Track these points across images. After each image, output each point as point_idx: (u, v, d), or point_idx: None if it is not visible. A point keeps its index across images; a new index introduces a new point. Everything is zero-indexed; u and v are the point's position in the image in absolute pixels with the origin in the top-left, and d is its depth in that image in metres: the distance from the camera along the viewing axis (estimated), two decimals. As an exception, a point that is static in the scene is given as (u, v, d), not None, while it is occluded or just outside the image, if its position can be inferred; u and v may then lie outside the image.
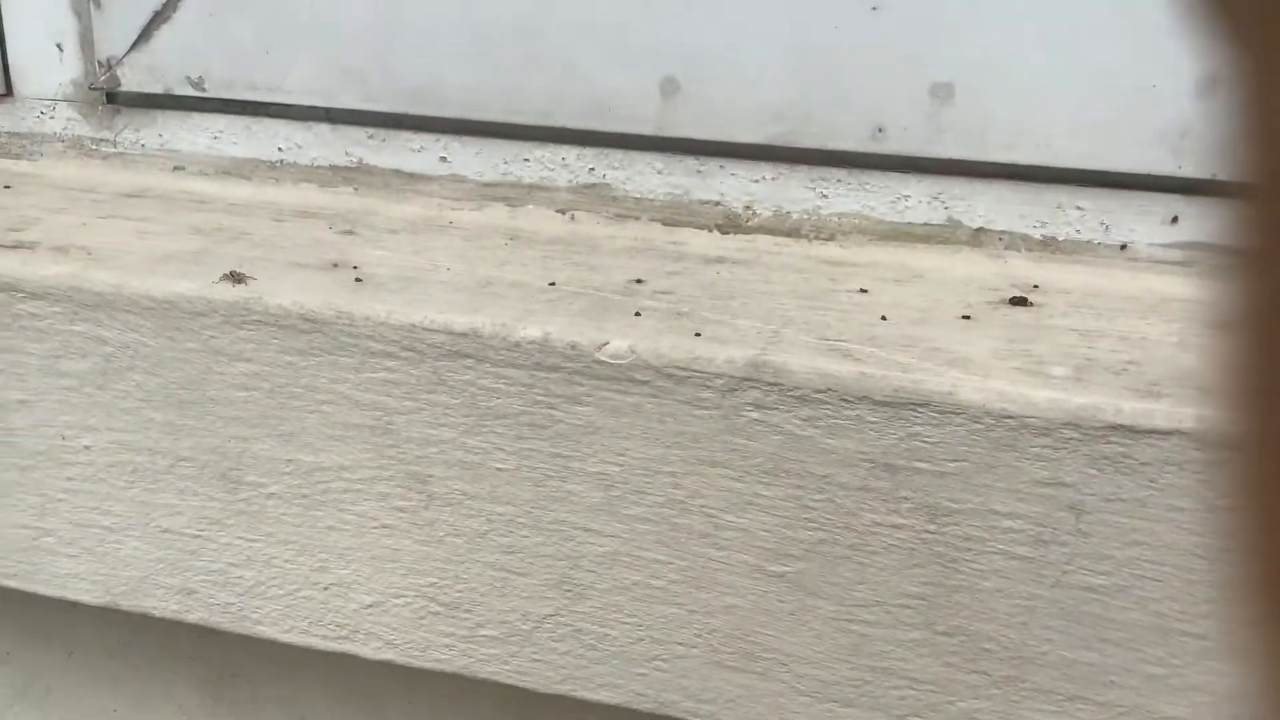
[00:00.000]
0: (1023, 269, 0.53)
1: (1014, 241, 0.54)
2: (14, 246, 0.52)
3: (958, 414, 0.41)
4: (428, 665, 0.51)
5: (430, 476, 0.47)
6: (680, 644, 0.47)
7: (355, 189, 0.61)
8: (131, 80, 0.62)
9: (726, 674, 0.47)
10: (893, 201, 0.55)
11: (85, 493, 0.52)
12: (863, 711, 0.46)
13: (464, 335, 0.45)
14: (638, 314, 0.47)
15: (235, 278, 0.48)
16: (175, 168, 0.63)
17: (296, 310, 0.46)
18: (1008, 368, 0.42)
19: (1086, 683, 0.43)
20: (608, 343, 0.44)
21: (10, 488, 0.53)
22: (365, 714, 0.62)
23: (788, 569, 0.45)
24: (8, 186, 0.62)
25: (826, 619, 0.45)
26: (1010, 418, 0.41)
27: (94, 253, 0.51)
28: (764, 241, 0.56)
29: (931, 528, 0.43)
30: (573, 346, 0.44)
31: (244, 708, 0.64)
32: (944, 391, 0.41)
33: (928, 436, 0.41)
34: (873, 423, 0.42)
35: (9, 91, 0.65)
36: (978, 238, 0.54)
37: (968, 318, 0.48)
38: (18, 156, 0.66)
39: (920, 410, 0.41)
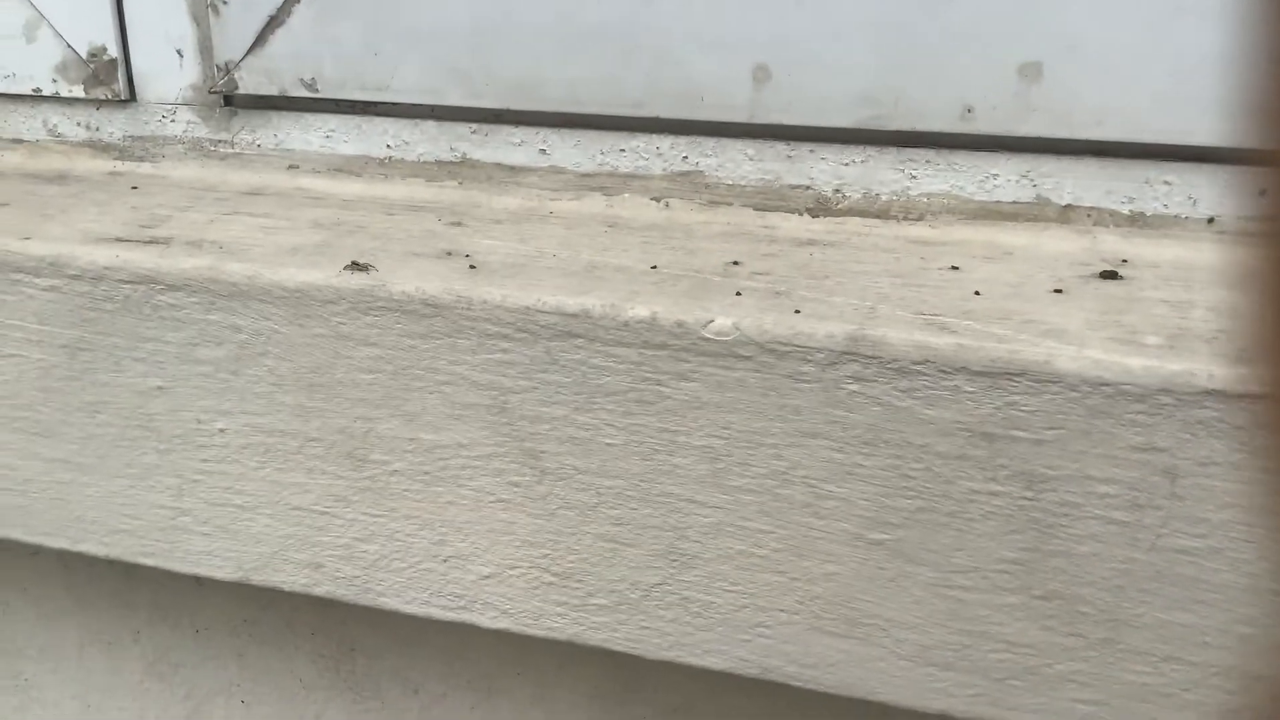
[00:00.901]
0: (1111, 244, 0.54)
1: (1102, 217, 0.55)
2: (149, 242, 0.55)
3: (1054, 382, 0.42)
4: (541, 634, 0.53)
5: (543, 452, 0.50)
6: (783, 610, 0.49)
7: (459, 183, 0.64)
8: (248, 83, 0.66)
9: (828, 639, 0.49)
10: (981, 181, 0.56)
11: (220, 473, 0.55)
12: (961, 675, 0.48)
13: (575, 316, 0.48)
14: (738, 294, 0.49)
15: (358, 267, 0.51)
16: (290, 166, 0.67)
17: (418, 296, 0.49)
18: (1101, 337, 0.44)
19: (1181, 643, 0.45)
20: (712, 320, 0.46)
21: (150, 470, 0.57)
22: (476, 686, 0.65)
23: (887, 537, 0.47)
24: (135, 187, 0.66)
25: (925, 585, 0.47)
26: (1106, 385, 0.42)
27: (225, 246, 0.54)
28: (854, 223, 0.58)
29: (1028, 494, 0.44)
30: (679, 324, 0.46)
31: (361, 680, 0.68)
32: (1040, 361, 0.42)
33: (1024, 405, 0.43)
34: (970, 393, 0.43)
35: (132, 97, 0.69)
36: (1066, 214, 0.56)
37: (1059, 291, 0.49)
38: (140, 159, 0.70)
39: (1017, 379, 0.43)
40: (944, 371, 0.43)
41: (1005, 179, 0.56)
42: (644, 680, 0.62)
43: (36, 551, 0.72)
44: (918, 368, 0.44)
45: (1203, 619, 0.44)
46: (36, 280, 0.55)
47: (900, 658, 0.48)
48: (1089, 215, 0.55)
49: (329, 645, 0.67)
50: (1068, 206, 0.55)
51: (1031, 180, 0.56)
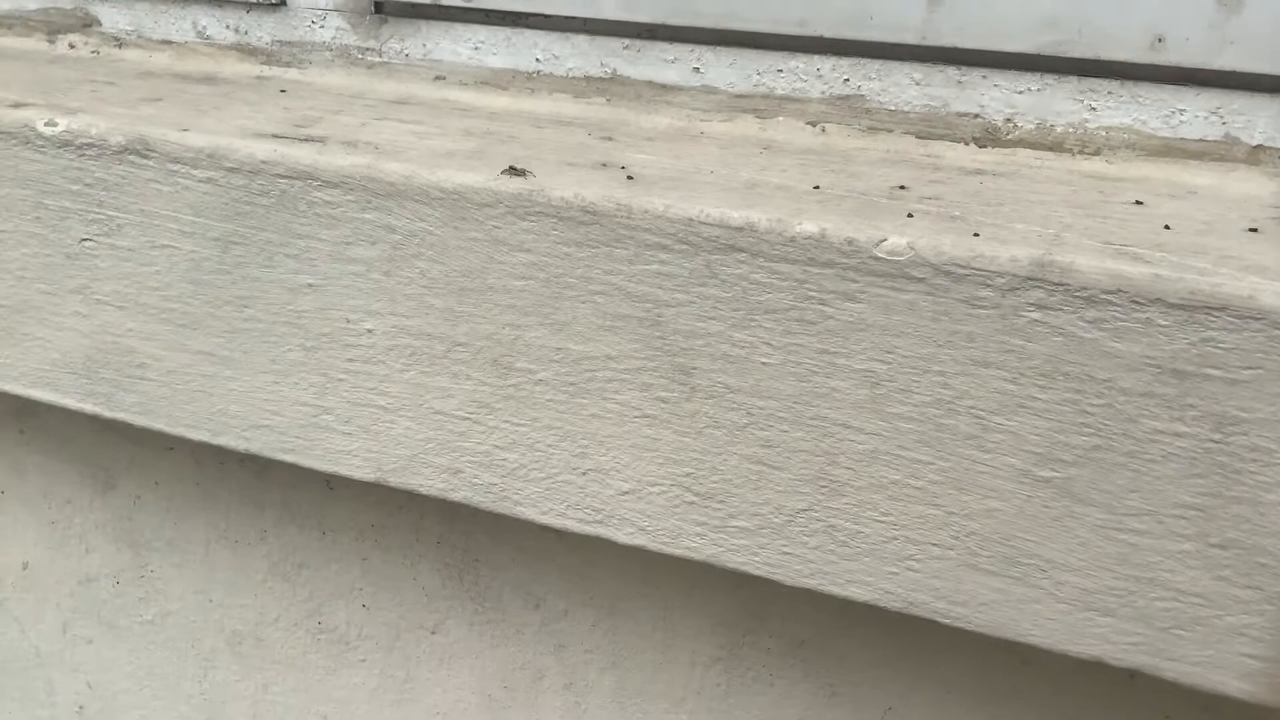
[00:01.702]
0: (1304, 188, 0.51)
1: (1294, 160, 0.52)
2: (305, 140, 0.55)
3: (1257, 319, 0.40)
4: (679, 553, 0.53)
5: (695, 369, 0.49)
6: (935, 545, 0.48)
7: (608, 99, 0.63)
8: (400, -9, 0.65)
9: (981, 577, 0.48)
10: (1166, 115, 0.53)
11: (364, 374, 0.55)
12: (1122, 621, 0.46)
13: (739, 229, 0.46)
14: (909, 215, 0.47)
15: (516, 172, 0.51)
16: (436, 77, 0.66)
17: (577, 202, 0.48)
18: (1309, 277, 0.41)
19: (1371, 606, 0.42)
20: (885, 239, 0.44)
21: (294, 367, 0.57)
22: (598, 604, 0.65)
23: (1056, 474, 0.45)
24: (283, 90, 0.66)
25: (1093, 527, 0.45)
26: (1315, 325, 0.39)
27: (380, 147, 0.54)
28: (1025, 155, 0.55)
29: (1216, 437, 0.42)
30: (849, 242, 0.45)
31: (483, 591, 0.68)
32: (1244, 296, 0.40)
33: (1222, 342, 0.41)
34: (1164, 326, 0.41)
35: (282, 1, 0.69)
36: (1256, 155, 0.52)
37: (1255, 230, 0.46)
38: (288, 64, 0.70)
39: (1216, 314, 0.40)
40: (1137, 303, 0.41)
41: (1193, 115, 0.53)
42: (770, 611, 0.61)
43: (171, 446, 0.73)
44: (1108, 297, 0.42)
45: (1396, 580, 0.41)
46: (194, 171, 0.55)
47: (1059, 600, 0.46)
48: (1280, 157, 0.52)
49: (454, 555, 0.68)
50: (1258, 147, 0.52)
51: (1221, 117, 0.53)
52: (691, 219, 0.47)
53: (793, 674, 0.62)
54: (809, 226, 0.46)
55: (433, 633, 0.70)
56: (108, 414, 0.63)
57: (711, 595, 0.62)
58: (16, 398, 0.66)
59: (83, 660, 0.83)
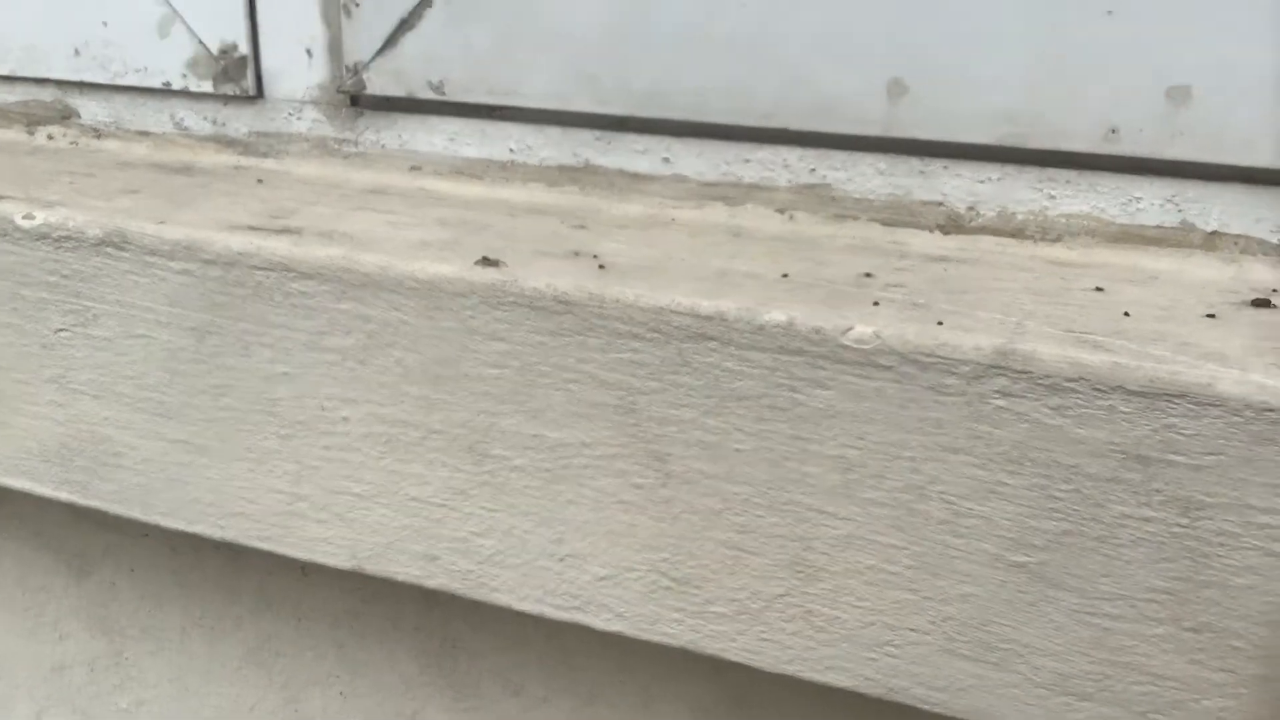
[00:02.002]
0: (1260, 273, 0.53)
1: (1250, 245, 0.54)
2: (281, 231, 0.56)
3: (1216, 406, 0.41)
4: (656, 639, 0.53)
5: (669, 455, 0.50)
6: (913, 630, 0.48)
7: (581, 188, 0.64)
8: (376, 84, 0.66)
9: (960, 663, 0.48)
10: (1124, 203, 0.55)
11: (340, 461, 0.56)
12: (1101, 706, 0.46)
13: (709, 318, 0.47)
14: (875, 303, 0.48)
15: (489, 262, 0.51)
16: (412, 167, 0.68)
17: (550, 292, 0.49)
18: (1264, 363, 0.42)
19: (1340, 687, 0.43)
20: (852, 327, 0.45)
21: (269, 455, 0.57)
22: (578, 691, 0.64)
23: (1029, 559, 0.45)
24: (260, 181, 0.67)
25: (1068, 611, 0.45)
26: (1270, 410, 0.40)
27: (355, 238, 0.55)
28: (987, 242, 0.57)
29: (1183, 521, 0.43)
30: (817, 331, 0.46)
31: (462, 679, 0.67)
32: (1202, 383, 0.41)
33: (1184, 428, 0.42)
34: (1126, 413, 0.42)
35: (260, 94, 0.70)
36: (1212, 241, 0.54)
37: (1212, 316, 0.47)
38: (265, 155, 0.71)
39: (1177, 401, 0.41)
40: (1099, 390, 0.42)
41: (1149, 202, 0.54)
42: (749, 697, 0.61)
43: (146, 533, 0.73)
44: (1070, 385, 0.42)
45: (1363, 661, 0.42)
46: (170, 263, 0.56)
47: (1036, 685, 0.46)
48: (1236, 243, 0.54)
49: (432, 642, 0.67)
50: (1214, 233, 0.54)
51: (1176, 205, 0.54)
52: (662, 308, 0.48)
53: (772, 760, 0.61)
54: (777, 315, 0.46)
55: (408, 722, 0.70)
56: (83, 502, 0.63)
57: (691, 681, 0.61)
58: (-12, 487, 0.66)
59: (50, 754, 0.82)
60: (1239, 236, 0.53)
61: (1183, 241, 0.54)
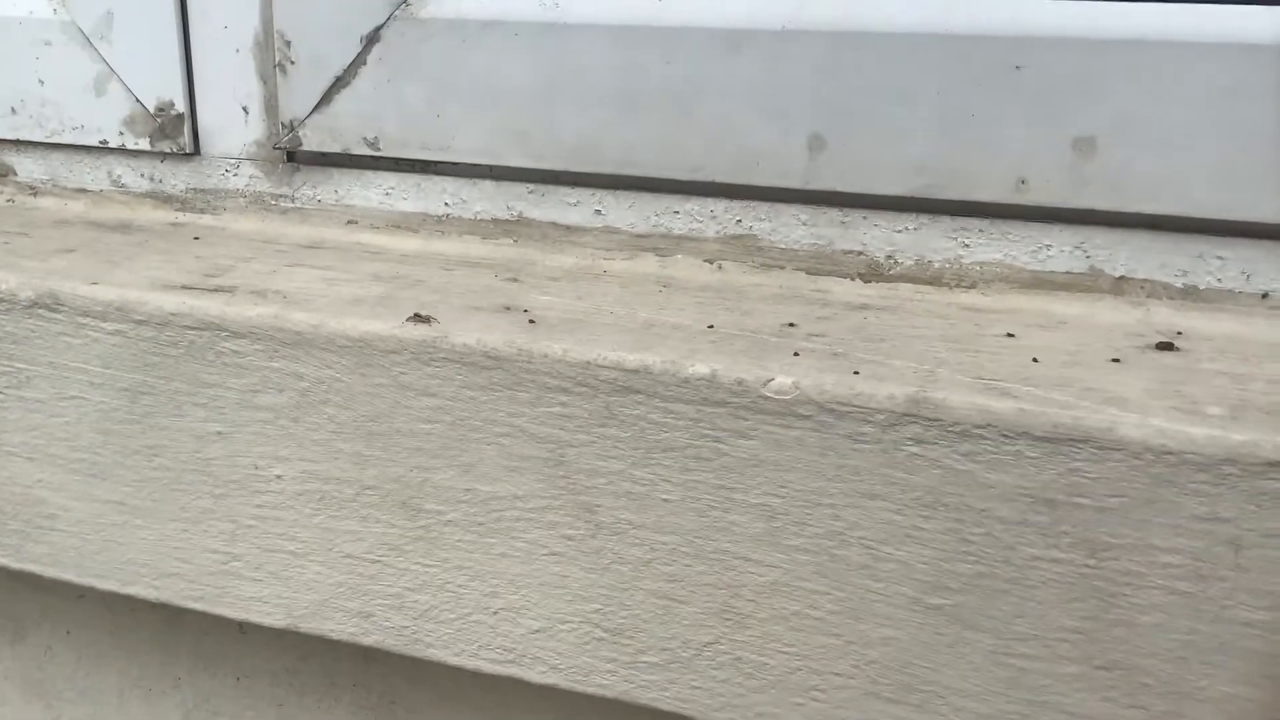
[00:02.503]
0: (1165, 317, 0.55)
1: (1156, 290, 0.56)
2: (215, 290, 0.56)
3: (1117, 449, 0.42)
4: (591, 690, 0.53)
5: (598, 506, 0.50)
6: (838, 674, 0.49)
7: (515, 240, 0.65)
8: (312, 141, 0.67)
9: (883, 705, 0.49)
10: (1035, 251, 0.57)
11: (274, 519, 0.56)
12: (1018, 743, 0.47)
13: (635, 372, 0.48)
14: (796, 354, 0.49)
15: (420, 319, 0.52)
16: (349, 221, 0.68)
17: (480, 348, 0.50)
18: (1164, 406, 0.44)
19: (1246, 719, 0.44)
20: (773, 379, 0.47)
21: (204, 514, 0.57)
22: (516, 741, 0.65)
23: (946, 601, 0.46)
24: (197, 238, 0.67)
25: (985, 652, 0.46)
26: (1170, 454, 0.42)
27: (289, 296, 0.55)
28: (906, 289, 0.58)
29: (1091, 562, 0.44)
30: (739, 383, 0.47)
31: (400, 732, 0.67)
32: (1104, 428, 0.43)
33: (1087, 472, 0.43)
34: (1032, 458, 0.44)
35: (197, 150, 0.71)
36: (1120, 286, 0.56)
37: (1117, 360, 0.49)
38: (202, 211, 0.72)
39: (1080, 446, 0.43)
40: (1006, 436, 0.44)
41: (1059, 249, 0.56)
42: (687, 743, 0.61)
43: (82, 595, 0.72)
44: (979, 431, 0.44)
45: (1270, 694, 0.43)
46: (103, 324, 0.56)
47: (956, 725, 0.47)
48: (1142, 287, 0.56)
49: (370, 698, 0.67)
50: (1121, 278, 0.56)
51: (1085, 251, 0.56)
52: (589, 362, 0.49)
53: (712, 805, 0.62)
54: (700, 368, 0.48)
55: (351, 776, 0.69)
56: (16, 565, 0.63)
57: (627, 728, 0.62)
58: (-80, 550, 0.65)
59: (-13, 819, 0.80)
60: (1145, 281, 0.55)
61: (1091, 287, 0.56)
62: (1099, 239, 0.56)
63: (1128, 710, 0.45)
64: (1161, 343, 0.51)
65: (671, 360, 0.48)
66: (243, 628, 0.69)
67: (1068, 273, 0.56)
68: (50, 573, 0.62)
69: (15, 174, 0.76)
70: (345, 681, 0.67)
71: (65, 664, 0.75)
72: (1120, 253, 0.56)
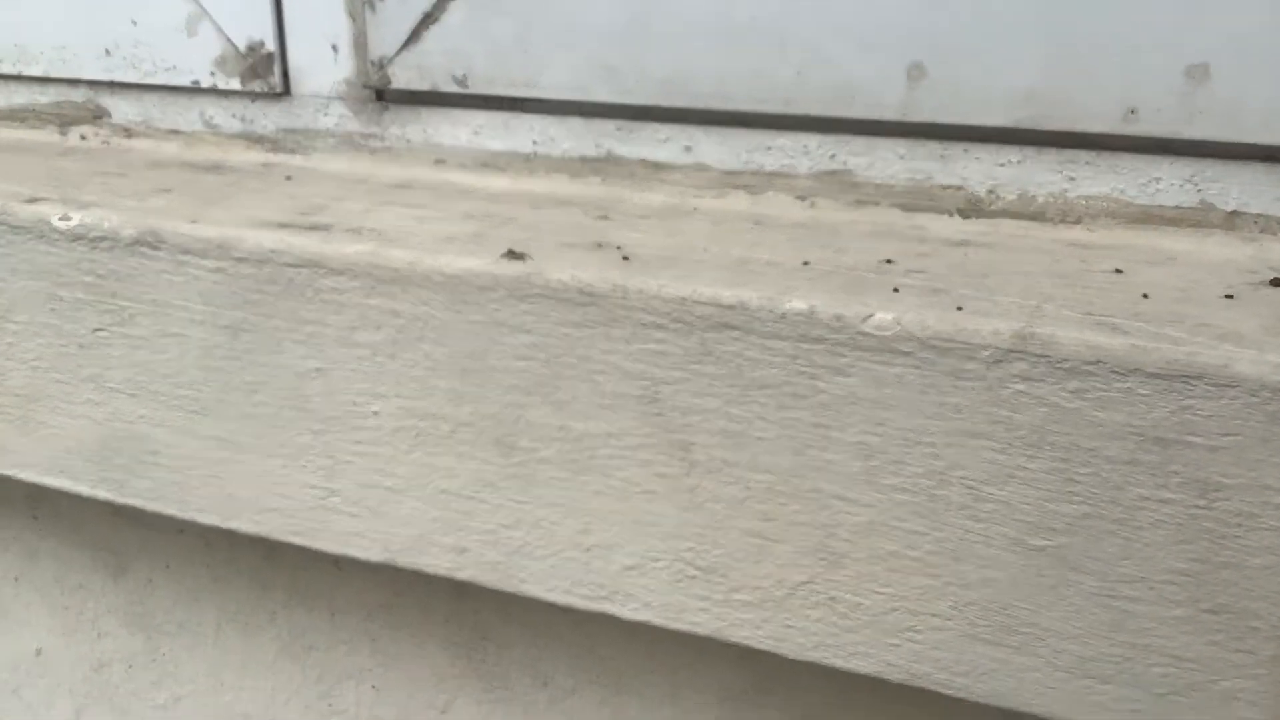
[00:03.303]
0: (1279, 252, 0.53)
1: (1270, 225, 0.54)
2: (311, 228, 0.57)
3: (1232, 387, 0.41)
4: (683, 628, 0.53)
5: (693, 444, 0.50)
6: (935, 615, 0.48)
7: (603, 179, 0.65)
8: (401, 79, 0.67)
9: (981, 647, 0.48)
10: (1143, 184, 0.55)
11: (371, 455, 0.57)
12: (1121, 688, 0.46)
13: (731, 308, 0.48)
14: (895, 290, 0.48)
15: (515, 255, 0.52)
16: (437, 161, 0.68)
17: (574, 284, 0.50)
18: (1284, 344, 0.42)
19: (1364, 665, 0.43)
20: (872, 315, 0.46)
21: (303, 450, 0.58)
22: (605, 681, 0.65)
23: (1049, 543, 0.45)
24: (289, 178, 0.68)
25: (1088, 594, 0.46)
26: (1291, 392, 0.40)
27: (384, 234, 0.56)
28: (1007, 225, 0.57)
29: (1201, 503, 0.43)
30: (838, 318, 0.46)
31: (492, 670, 0.68)
32: (1219, 364, 0.41)
33: (1201, 410, 0.42)
34: (1143, 395, 0.42)
35: (287, 90, 0.71)
36: (1231, 221, 0.54)
37: (1231, 297, 0.47)
38: (292, 151, 0.72)
39: (1194, 383, 0.41)
40: (1117, 373, 0.42)
41: (1168, 183, 0.54)
42: (776, 683, 0.61)
43: (182, 529, 0.74)
44: (1089, 368, 0.43)
45: (1387, 640, 0.42)
46: (203, 262, 0.57)
47: (1057, 669, 0.47)
48: (1256, 222, 0.54)
49: (462, 633, 0.68)
50: (1233, 213, 0.54)
51: (1196, 185, 0.54)
52: (685, 298, 0.48)
53: (800, 743, 0.62)
54: (798, 304, 0.47)
55: (442, 713, 0.71)
56: (120, 500, 0.65)
57: (716, 669, 0.62)
58: (29, 484, 0.68)
59: (95, 742, 0.84)
60: (1259, 215, 0.53)
61: (1202, 221, 0.54)
62: (1211, 171, 0.54)
63: (1234, 654, 0.44)
64: (1276, 279, 0.49)
65: (768, 296, 0.47)
66: (338, 563, 0.70)
67: (1178, 207, 0.54)
68: (153, 507, 0.64)
69: (110, 116, 0.77)
70: (438, 617, 0.68)
71: (165, 597, 0.77)
72: (1233, 186, 0.53)
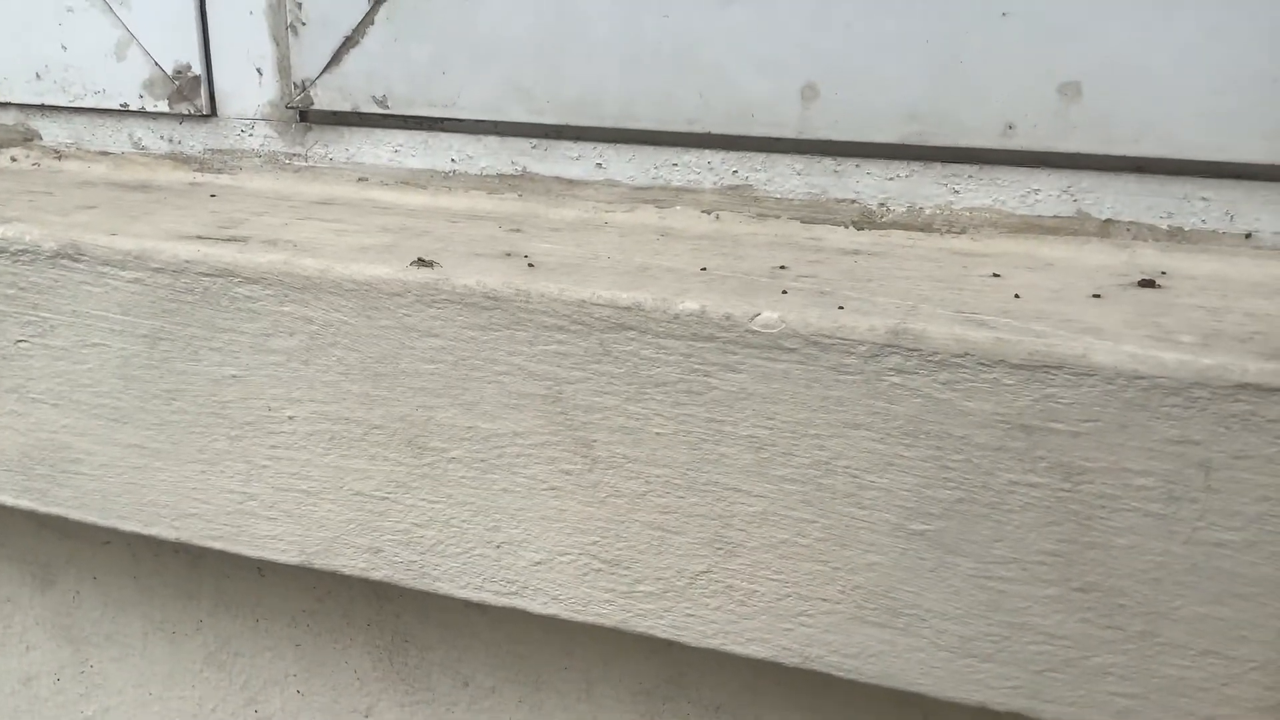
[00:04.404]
0: (1150, 258, 0.56)
1: (1141, 232, 0.57)
2: (229, 239, 0.59)
3: (1091, 375, 0.44)
4: (589, 619, 0.55)
5: (595, 441, 0.52)
6: (825, 600, 0.51)
7: (519, 195, 0.67)
8: (323, 100, 0.69)
9: (869, 629, 0.50)
10: (1023, 195, 0.58)
11: (287, 459, 0.58)
12: (1000, 666, 0.49)
13: (628, 309, 0.50)
14: (784, 292, 0.51)
15: (424, 263, 0.54)
16: (360, 179, 0.70)
17: (480, 289, 0.52)
18: (1138, 334, 0.45)
19: (1218, 637, 0.45)
20: (759, 313, 0.48)
21: (220, 456, 0.60)
22: (524, 680, 0.67)
23: (928, 527, 0.48)
24: (213, 195, 0.69)
25: (965, 576, 0.48)
26: (1141, 378, 0.43)
27: (299, 244, 0.58)
28: (898, 236, 0.60)
29: (1066, 486, 0.45)
30: (727, 317, 0.49)
31: (413, 672, 0.70)
32: (1078, 354, 0.44)
33: (1062, 398, 0.44)
34: (1009, 385, 0.45)
35: (213, 112, 0.73)
36: (1106, 229, 0.57)
37: (1098, 296, 0.50)
38: (219, 171, 0.74)
39: (1055, 372, 0.44)
40: (983, 364, 0.45)
41: (1046, 194, 0.58)
42: (688, 677, 0.63)
43: (107, 541, 0.75)
44: (957, 360, 0.45)
45: (1240, 613, 0.45)
46: (122, 273, 0.58)
47: (940, 649, 0.49)
48: (1128, 230, 0.57)
49: (383, 637, 0.69)
50: (1108, 221, 0.57)
51: (1072, 195, 0.57)
52: (584, 300, 0.51)
53: (711, 738, 0.64)
54: (690, 304, 0.49)
55: (365, 716, 0.72)
56: (43, 509, 0.65)
57: (630, 665, 0.64)
58: (-46, 498, 0.68)
59: (21, 763, 0.84)
60: (1131, 223, 0.57)
61: (1079, 230, 0.57)
62: (1086, 182, 0.57)
63: (1104, 630, 0.47)
64: (1144, 280, 0.52)
65: (663, 297, 0.50)
66: (261, 570, 0.71)
67: (1055, 216, 0.58)
68: (76, 515, 0.64)
69: (41, 138, 0.79)
70: (360, 621, 0.70)
71: (92, 609, 0.77)
72: (1107, 196, 0.57)
